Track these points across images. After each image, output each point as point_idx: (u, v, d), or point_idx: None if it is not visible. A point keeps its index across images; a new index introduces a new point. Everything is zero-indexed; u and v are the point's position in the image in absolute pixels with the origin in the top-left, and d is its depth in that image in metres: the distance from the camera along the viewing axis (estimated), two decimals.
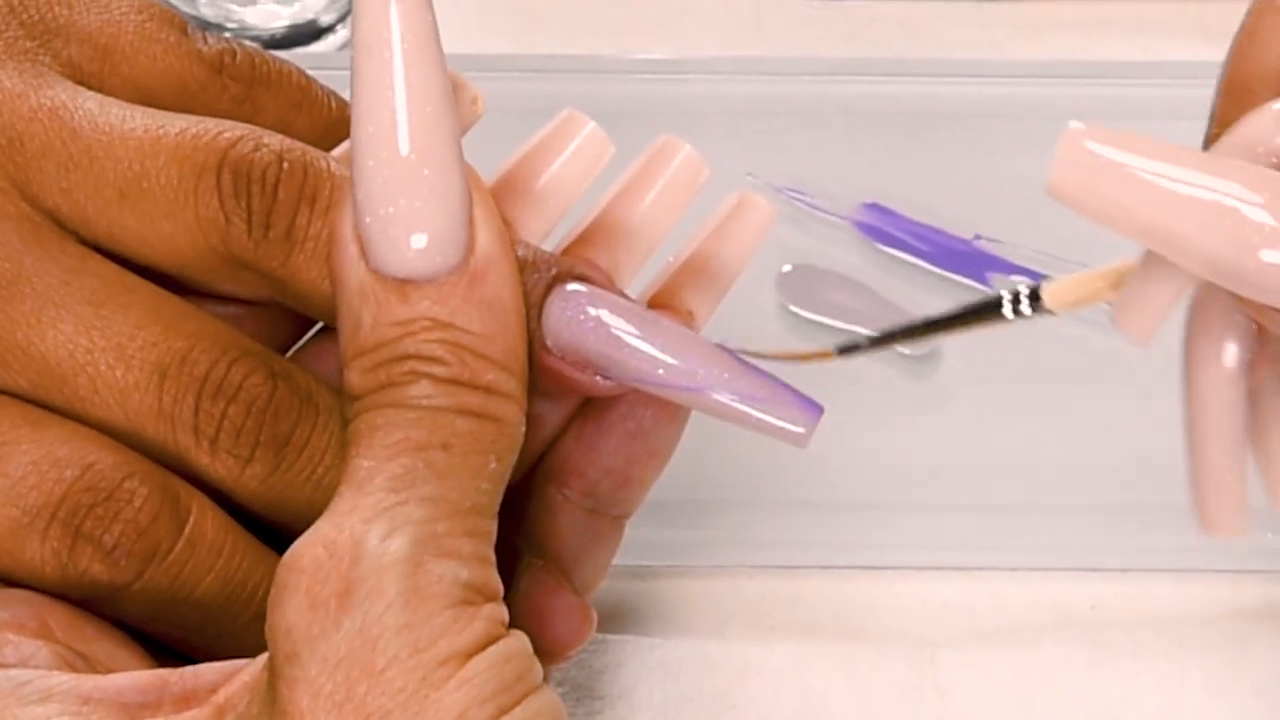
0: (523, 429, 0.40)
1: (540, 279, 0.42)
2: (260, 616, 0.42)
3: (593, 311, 0.42)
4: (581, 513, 0.45)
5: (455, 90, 0.47)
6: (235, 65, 0.46)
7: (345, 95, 0.42)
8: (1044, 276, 0.61)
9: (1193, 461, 0.43)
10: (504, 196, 0.47)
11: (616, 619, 0.54)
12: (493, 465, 0.39)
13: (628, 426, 0.45)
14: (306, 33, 0.69)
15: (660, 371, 0.42)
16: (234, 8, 0.69)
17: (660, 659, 0.53)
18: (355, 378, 0.39)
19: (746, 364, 0.42)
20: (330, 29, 0.70)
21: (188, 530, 0.41)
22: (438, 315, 0.39)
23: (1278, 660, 0.54)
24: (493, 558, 0.38)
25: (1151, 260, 0.40)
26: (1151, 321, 0.41)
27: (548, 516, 0.45)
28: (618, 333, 0.42)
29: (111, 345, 0.42)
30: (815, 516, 0.56)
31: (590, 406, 0.45)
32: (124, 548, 0.41)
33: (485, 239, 0.39)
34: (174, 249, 0.42)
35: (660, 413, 0.45)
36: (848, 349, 0.44)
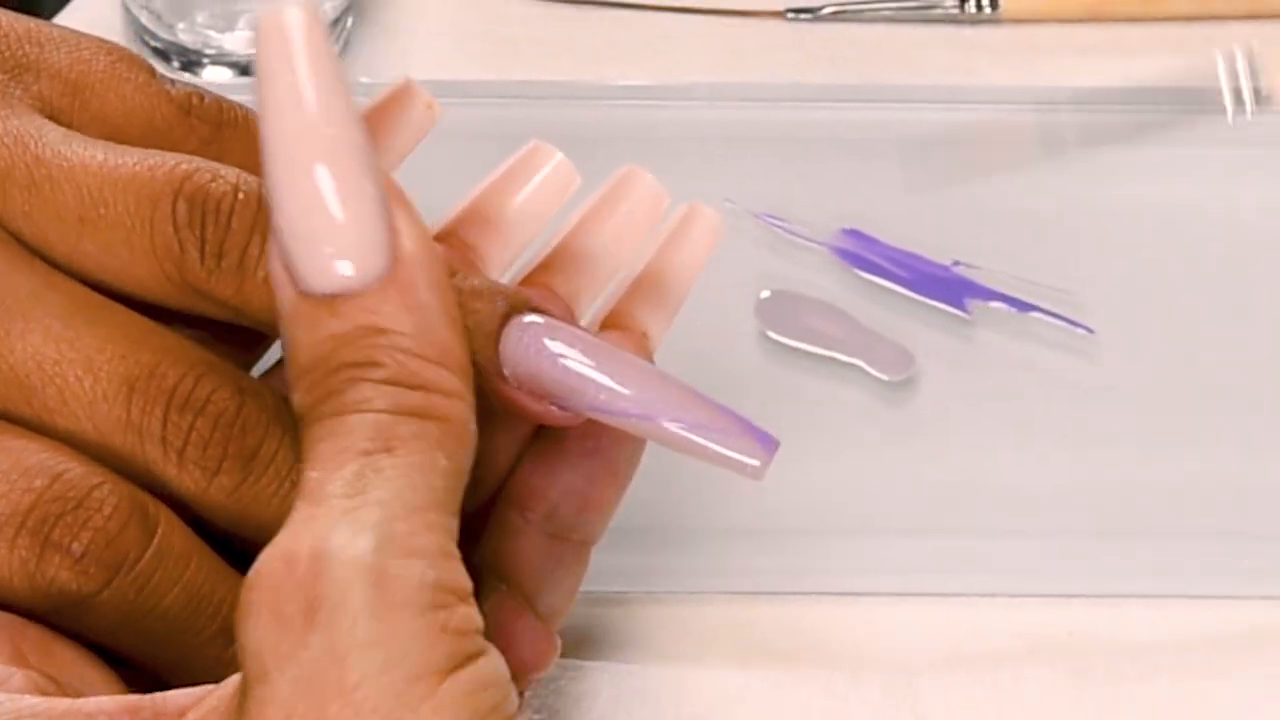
0: (472, 425, 0.40)
1: (495, 309, 0.42)
2: (224, 632, 0.42)
3: (548, 342, 0.42)
4: (544, 537, 0.45)
5: (407, 98, 0.48)
6: (203, 107, 0.46)
7: None
8: (1024, 303, 0.62)
9: None
10: (469, 225, 0.47)
11: (594, 645, 0.54)
12: (443, 463, 0.38)
13: (585, 445, 0.45)
14: None
15: (614, 401, 0.42)
16: (212, 34, 0.69)
17: (638, 686, 0.53)
18: (300, 398, 0.39)
19: (702, 396, 0.42)
20: None
21: (156, 540, 0.42)
22: (369, 323, 0.39)
23: (1255, 685, 0.54)
24: (457, 553, 0.38)
25: None
26: None
27: (510, 542, 0.45)
28: (573, 363, 0.42)
29: (80, 357, 0.42)
30: (793, 542, 0.56)
31: (548, 429, 0.45)
32: (92, 556, 0.41)
33: (408, 244, 0.39)
34: (133, 276, 0.43)
35: (618, 431, 0.45)
36: None
